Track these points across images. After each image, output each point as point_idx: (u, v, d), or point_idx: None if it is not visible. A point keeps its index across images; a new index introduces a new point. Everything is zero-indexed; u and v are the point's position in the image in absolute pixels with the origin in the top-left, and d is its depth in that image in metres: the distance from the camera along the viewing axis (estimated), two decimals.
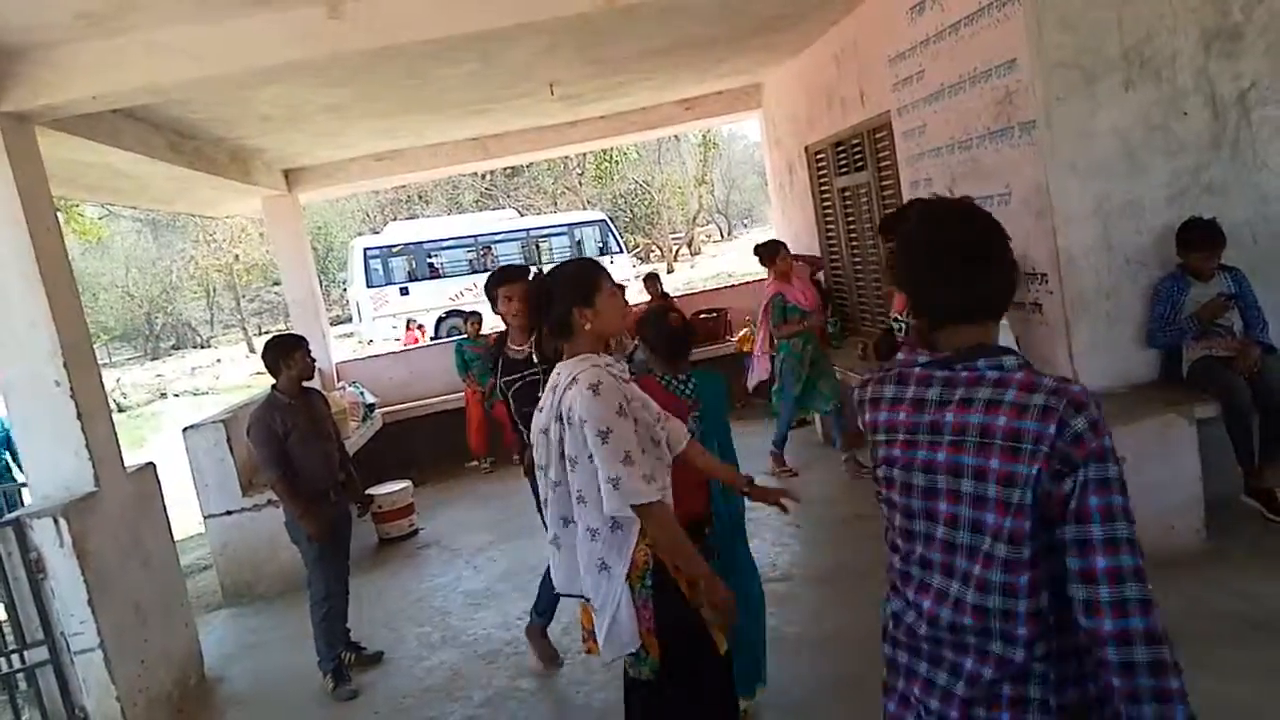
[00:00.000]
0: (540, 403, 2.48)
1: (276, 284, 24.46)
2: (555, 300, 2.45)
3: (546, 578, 3.90)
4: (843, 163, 7.26)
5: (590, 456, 2.31)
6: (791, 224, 9.01)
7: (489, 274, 4.09)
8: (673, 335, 3.26)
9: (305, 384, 4.52)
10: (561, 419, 2.35)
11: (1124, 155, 4.30)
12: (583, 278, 2.48)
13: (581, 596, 2.50)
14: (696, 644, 2.50)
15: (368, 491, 6.85)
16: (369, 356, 10.58)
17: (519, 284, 3.74)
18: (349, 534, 4.67)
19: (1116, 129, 4.28)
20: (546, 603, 4.18)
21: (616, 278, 10.19)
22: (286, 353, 4.39)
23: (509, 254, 18.77)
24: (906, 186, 5.88)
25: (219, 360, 27.09)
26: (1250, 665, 3.10)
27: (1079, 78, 4.24)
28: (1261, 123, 4.35)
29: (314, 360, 4.49)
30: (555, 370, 2.44)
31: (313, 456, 4.40)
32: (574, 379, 2.33)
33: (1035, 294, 4.59)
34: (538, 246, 19.18)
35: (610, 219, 21.43)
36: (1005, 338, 2.86)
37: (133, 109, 5.21)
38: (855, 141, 6.88)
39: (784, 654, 3.87)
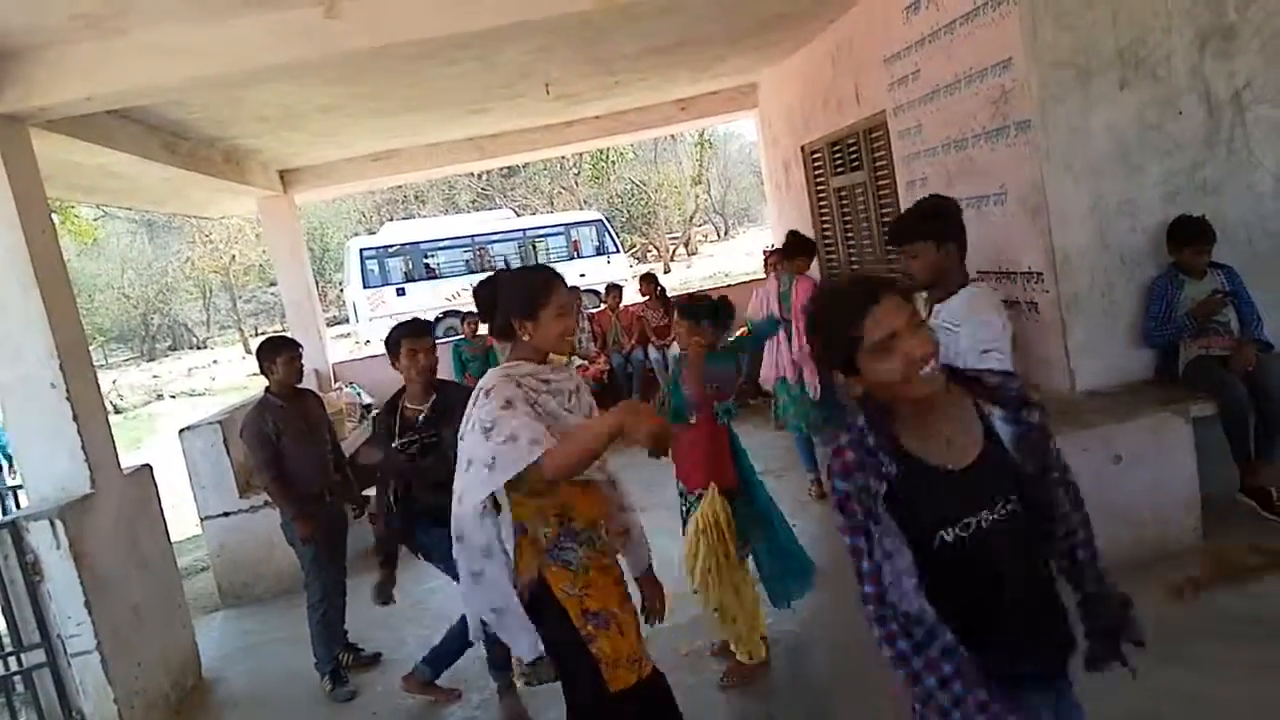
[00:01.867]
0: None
1: (273, 285, 24.43)
2: (499, 305, 2.45)
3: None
4: (839, 162, 7.27)
5: (469, 463, 2.30)
6: (788, 223, 9.01)
7: (393, 328, 3.90)
8: (715, 304, 3.59)
9: (299, 386, 4.51)
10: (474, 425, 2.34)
11: (1119, 154, 4.31)
12: (531, 291, 2.43)
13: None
14: (578, 678, 2.45)
15: (364, 493, 6.86)
16: (366, 357, 10.57)
17: (425, 339, 3.80)
18: (345, 536, 4.66)
19: (1112, 128, 4.29)
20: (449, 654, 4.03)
21: (613, 278, 10.16)
22: (271, 356, 4.38)
23: (505, 254, 18.77)
24: (903, 186, 5.88)
25: (215, 361, 27.03)
26: (1245, 663, 3.11)
27: (1074, 77, 4.25)
28: (1256, 122, 4.36)
29: (300, 365, 4.46)
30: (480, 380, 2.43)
31: (306, 458, 4.39)
32: (485, 390, 2.33)
33: (1031, 293, 4.60)
34: (534, 247, 19.17)
35: (607, 219, 21.43)
36: (1003, 336, 2.86)
37: (128, 110, 5.20)
38: (851, 141, 6.89)
39: (777, 652, 3.87)
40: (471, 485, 2.26)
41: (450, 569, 3.60)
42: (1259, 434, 4.10)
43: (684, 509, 3.67)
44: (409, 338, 3.73)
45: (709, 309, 3.60)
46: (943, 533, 1.61)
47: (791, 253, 5.75)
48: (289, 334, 8.53)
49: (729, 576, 3.53)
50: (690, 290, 11.11)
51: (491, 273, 2.59)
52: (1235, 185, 4.40)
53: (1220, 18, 4.28)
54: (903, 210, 5.87)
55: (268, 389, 4.43)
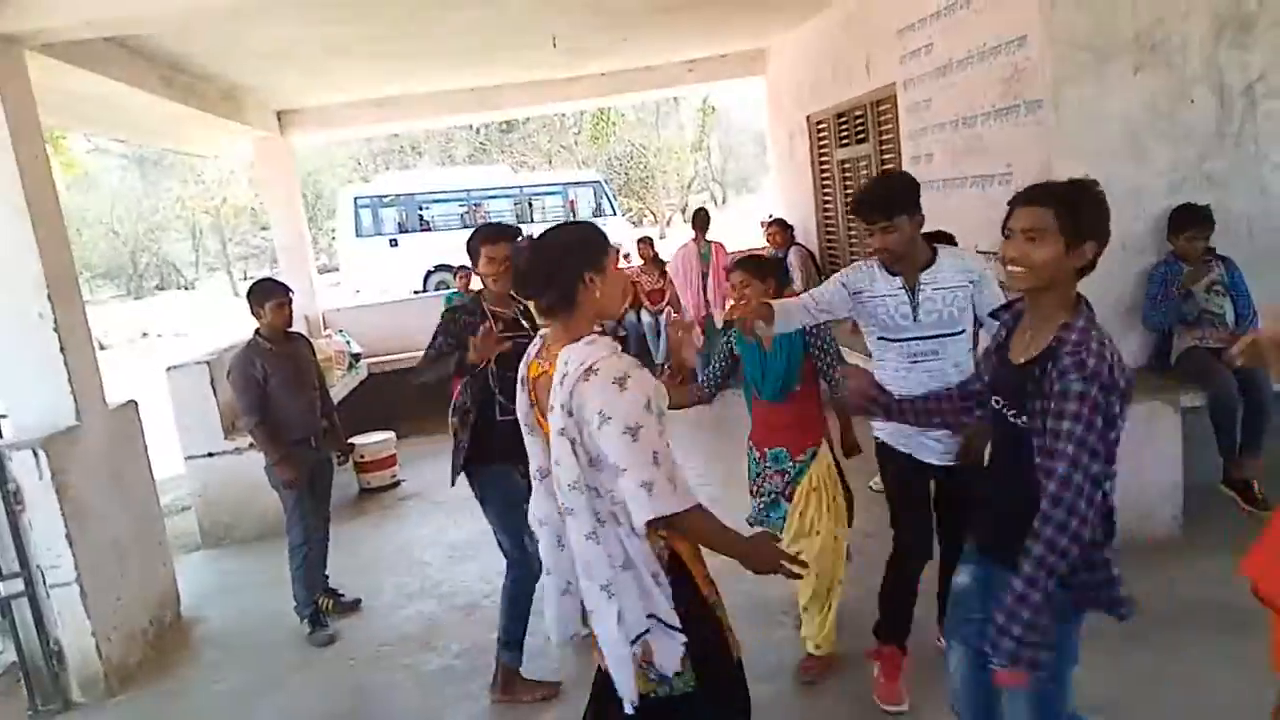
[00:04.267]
0: (553, 396, 2.07)
1: (264, 229, 24.20)
2: (561, 266, 2.07)
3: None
4: (844, 134, 7.21)
5: (608, 460, 1.97)
6: (789, 194, 8.96)
7: (473, 229, 3.71)
8: (777, 262, 3.67)
9: (290, 330, 4.47)
10: (574, 415, 1.98)
11: (1128, 140, 4.28)
12: (593, 241, 2.12)
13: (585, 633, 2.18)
14: (720, 650, 2.16)
15: (350, 440, 6.85)
16: (357, 306, 10.50)
17: (504, 243, 3.48)
18: (329, 482, 4.65)
19: (1123, 113, 4.26)
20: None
21: (612, 240, 10.04)
22: (260, 300, 4.33)
23: (501, 211, 18.58)
24: (907, 161, 5.84)
25: (203, 302, 26.84)
26: (1203, 646, 3.17)
27: (1089, 59, 4.20)
28: (1267, 116, 4.33)
29: (289, 310, 4.39)
30: (562, 359, 2.04)
31: (293, 403, 4.36)
32: (591, 369, 1.97)
33: None
34: (530, 205, 18.98)
35: (605, 181, 21.24)
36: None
37: (126, 39, 5.09)
38: (858, 113, 6.83)
39: (761, 618, 3.90)
40: (635, 501, 1.94)
41: (506, 525, 3.51)
42: (1245, 427, 4.13)
43: (775, 474, 3.49)
44: (488, 243, 3.53)
45: (772, 265, 3.61)
46: (994, 399, 2.11)
47: (704, 224, 8.26)
48: (280, 278, 8.47)
49: (832, 543, 3.40)
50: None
51: (521, 241, 2.18)
52: (1241, 178, 4.38)
53: (1239, 7, 4.24)
54: (883, 173, 5.86)
55: (257, 331, 4.39)
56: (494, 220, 17.97)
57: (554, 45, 6.75)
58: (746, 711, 2.24)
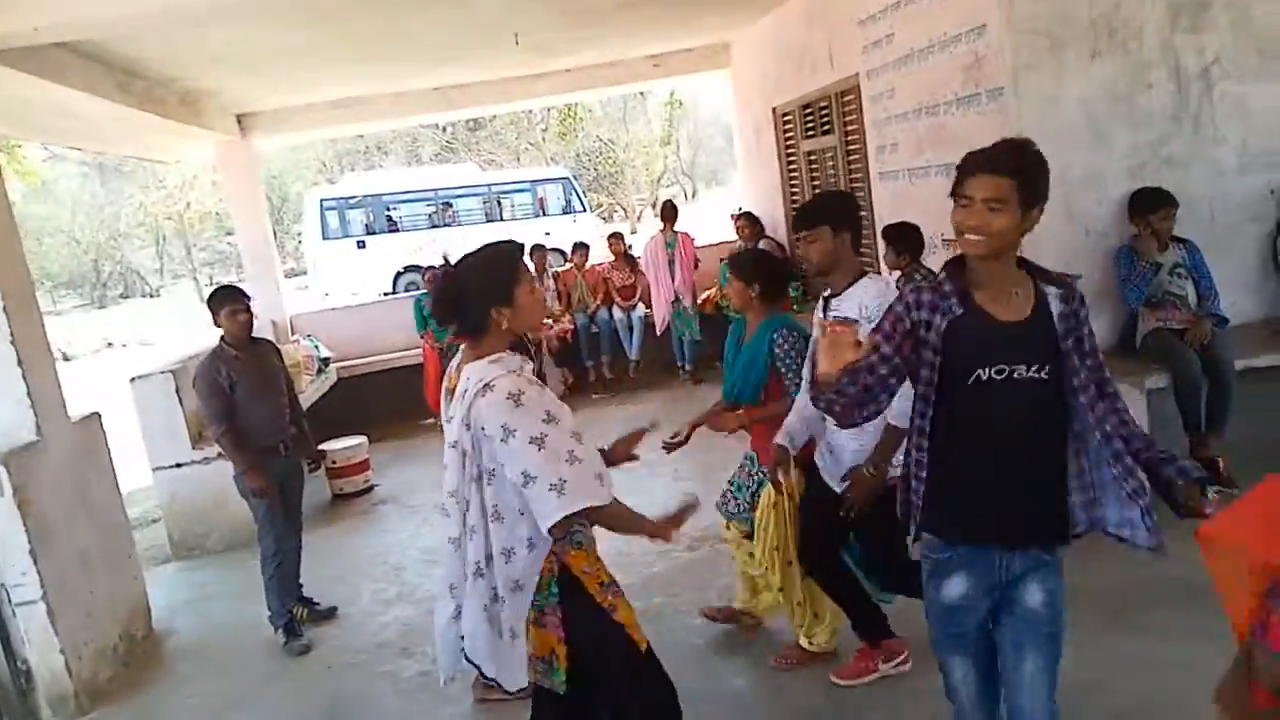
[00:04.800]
0: (451, 408, 2.21)
1: (229, 233, 23.86)
2: (469, 301, 2.19)
3: None
4: (810, 125, 7.23)
5: (503, 472, 2.12)
6: (757, 186, 8.97)
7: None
8: (780, 272, 3.44)
9: (256, 336, 4.41)
10: (471, 429, 2.13)
11: (1088, 125, 4.33)
12: (500, 272, 2.22)
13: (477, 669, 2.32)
14: (611, 649, 2.33)
15: (321, 446, 6.77)
16: (325, 309, 10.39)
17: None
18: (300, 489, 4.59)
19: (1082, 99, 4.30)
20: None
21: (582, 237, 10.24)
22: (215, 309, 4.26)
23: (470, 209, 18.45)
24: (873, 151, 5.87)
25: (169, 310, 26.44)
26: (1184, 627, 3.20)
27: (1047, 45, 4.24)
28: (1222, 97, 4.40)
29: (246, 318, 4.29)
30: (464, 375, 2.19)
31: (260, 410, 4.29)
32: (488, 385, 2.11)
33: None
34: (499, 203, 18.86)
35: (574, 177, 21.16)
36: None
37: (79, 44, 4.98)
38: (823, 104, 6.85)
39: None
40: (543, 504, 2.08)
41: None
42: (1210, 406, 4.19)
43: (751, 480, 3.49)
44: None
45: (766, 267, 3.36)
46: (980, 371, 1.99)
47: (671, 215, 8.54)
48: (245, 284, 8.35)
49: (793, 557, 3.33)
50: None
51: (440, 268, 2.30)
52: (1200, 160, 4.44)
53: None
54: (871, 176, 5.90)
55: (222, 338, 4.32)
56: (463, 219, 17.85)
57: (516, 43, 6.70)
58: (665, 706, 2.44)
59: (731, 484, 3.62)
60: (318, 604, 4.63)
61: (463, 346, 2.34)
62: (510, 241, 2.33)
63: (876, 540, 3.11)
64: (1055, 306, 2.03)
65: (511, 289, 2.20)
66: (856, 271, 2.92)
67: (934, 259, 4.85)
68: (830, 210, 2.92)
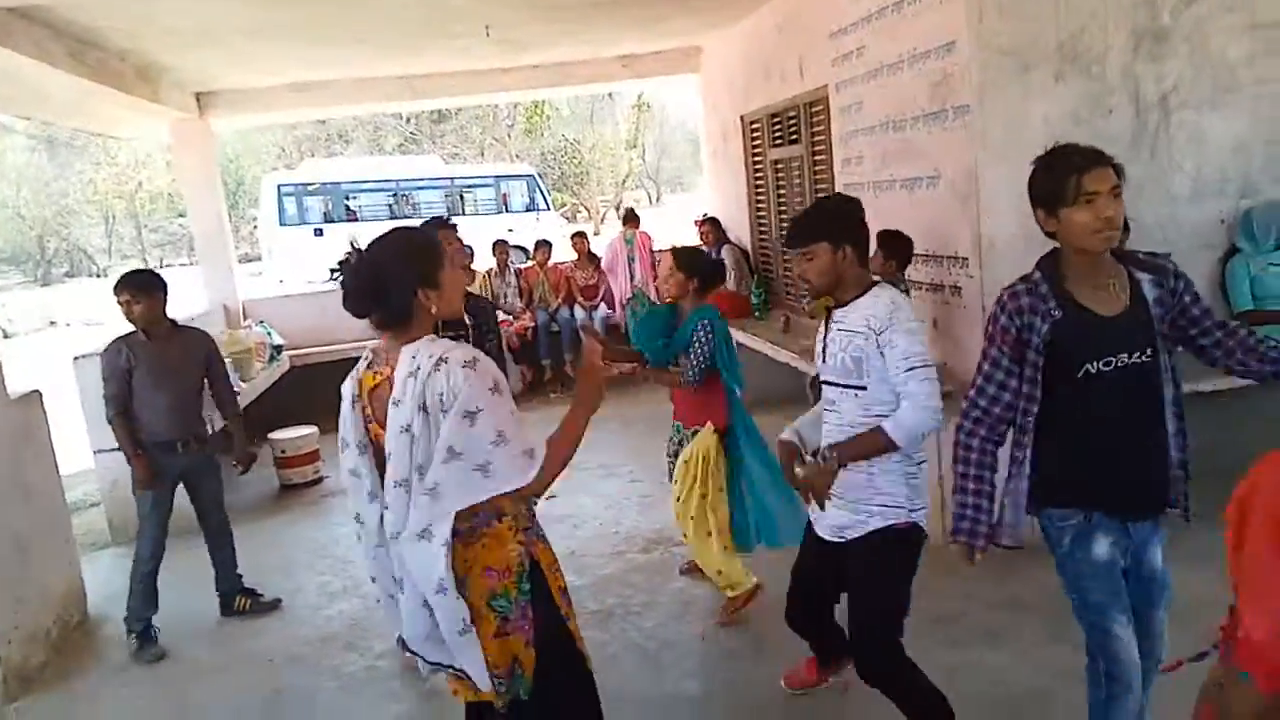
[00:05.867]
0: (394, 393, 2.03)
1: (181, 215, 23.31)
2: (390, 285, 2.04)
3: None
4: (778, 134, 7.27)
5: (469, 438, 1.95)
6: (723, 193, 9.00)
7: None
8: (717, 272, 3.98)
9: (179, 324, 4.25)
10: (428, 409, 1.97)
11: (1050, 146, 4.40)
12: (424, 254, 2.09)
13: (445, 667, 2.13)
14: (570, 658, 2.23)
15: (271, 435, 6.64)
16: (279, 296, 10.19)
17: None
18: (212, 489, 4.38)
19: (1046, 120, 4.37)
20: None
21: (544, 235, 10.27)
22: (115, 292, 4.08)
23: (431, 202, 18.28)
24: (839, 163, 5.91)
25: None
26: None
27: (1014, 65, 4.31)
28: (1180, 125, 4.50)
29: (137, 310, 4.04)
30: (408, 354, 2.03)
31: (159, 400, 4.10)
32: (440, 359, 1.97)
33: (955, 277, 4.69)
34: (461, 197, 18.73)
35: (539, 175, 21.08)
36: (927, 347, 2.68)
37: (27, 8, 4.81)
38: (791, 114, 6.89)
39: (692, 616, 3.91)
40: (457, 484, 1.96)
41: None
42: None
43: (675, 445, 4.02)
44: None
45: (705, 265, 3.92)
46: (1088, 365, 2.12)
47: (633, 220, 9.31)
48: (198, 266, 8.14)
49: (699, 517, 3.81)
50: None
51: (349, 255, 2.13)
52: (1155, 187, 4.54)
53: (1155, 20, 4.39)
54: (836, 188, 5.94)
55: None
56: (427, 212, 17.64)
57: (487, 35, 6.64)
58: (596, 716, 2.30)
59: (672, 456, 4.07)
60: (261, 595, 4.53)
61: (371, 345, 2.20)
62: (434, 219, 2.25)
63: (865, 598, 2.66)
64: (1150, 292, 2.14)
65: (436, 271, 2.08)
66: (865, 283, 2.63)
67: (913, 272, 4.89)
68: (828, 224, 2.62)
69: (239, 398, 6.44)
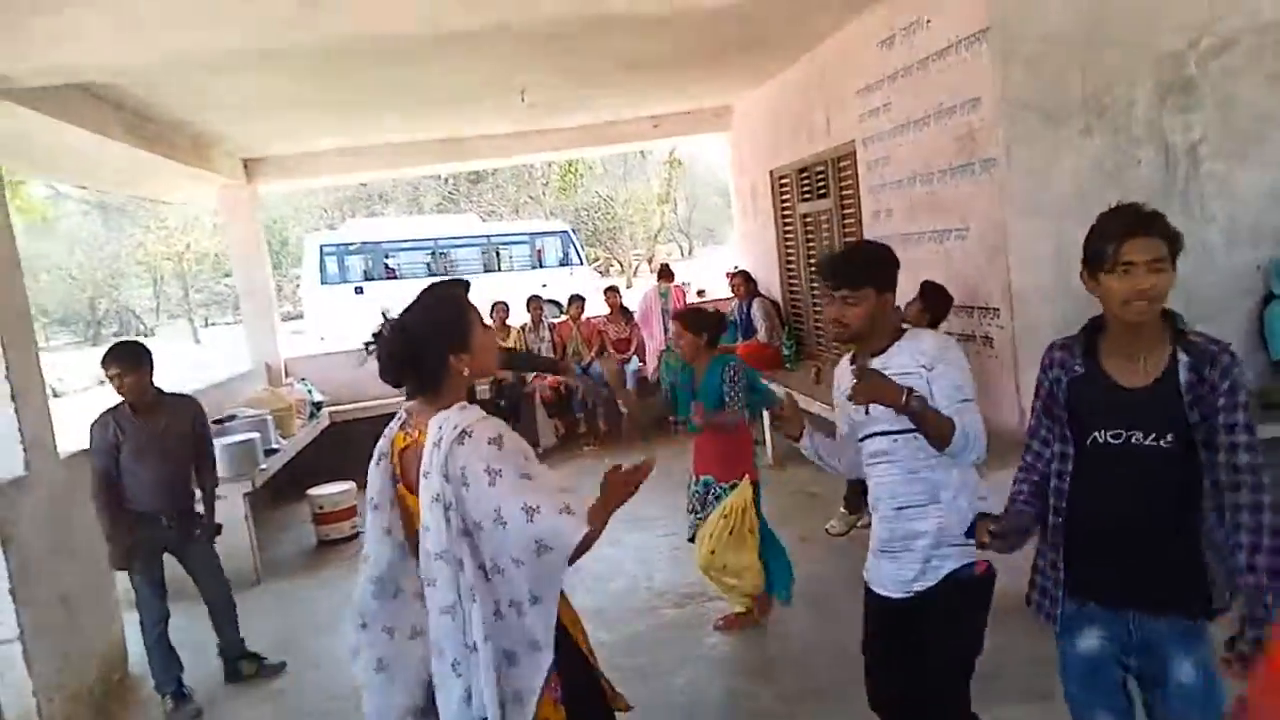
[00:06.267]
0: (423, 464, 2.00)
1: (227, 275, 23.95)
2: (425, 352, 2.04)
3: None
4: (806, 189, 7.35)
5: (497, 517, 1.93)
6: (753, 246, 9.09)
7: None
8: (719, 317, 4.28)
9: (176, 394, 4.30)
10: (451, 480, 1.96)
11: (1078, 200, 4.41)
12: (455, 316, 2.09)
13: None
14: (601, 713, 2.20)
15: (309, 491, 6.73)
16: (320, 354, 10.39)
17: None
18: (202, 558, 4.37)
19: (1073, 173, 4.40)
20: None
21: (578, 289, 10.43)
22: (103, 366, 4.10)
23: (469, 259, 18.61)
24: (868, 216, 5.97)
25: (162, 349, 26.40)
26: None
27: (1039, 120, 4.35)
28: (1209, 176, 4.50)
29: (129, 383, 4.06)
30: (435, 425, 2.01)
31: (142, 476, 4.10)
32: (465, 432, 1.97)
33: (986, 328, 4.68)
34: (498, 254, 19.05)
35: (573, 230, 21.40)
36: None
37: (91, 85, 5.07)
38: (819, 169, 6.98)
39: (724, 673, 3.87)
40: (558, 527, 1.93)
41: None
42: None
43: (704, 497, 4.19)
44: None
45: (711, 321, 4.23)
46: (1096, 434, 2.03)
47: (667, 275, 9.41)
48: (242, 325, 8.34)
49: (733, 564, 4.09)
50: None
51: (381, 326, 2.12)
52: (1188, 238, 4.35)
53: (1180, 71, 4.42)
54: (863, 240, 5.98)
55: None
56: (461, 269, 17.96)
57: (522, 100, 6.84)
58: None
59: (693, 513, 4.25)
60: (265, 659, 4.51)
61: (405, 405, 2.18)
62: (454, 281, 2.19)
63: (947, 671, 2.50)
64: (1184, 375, 1.96)
65: (468, 333, 2.07)
66: (895, 330, 2.58)
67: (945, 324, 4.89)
68: (875, 270, 2.55)
69: (279, 454, 6.60)
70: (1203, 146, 4.48)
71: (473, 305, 2.15)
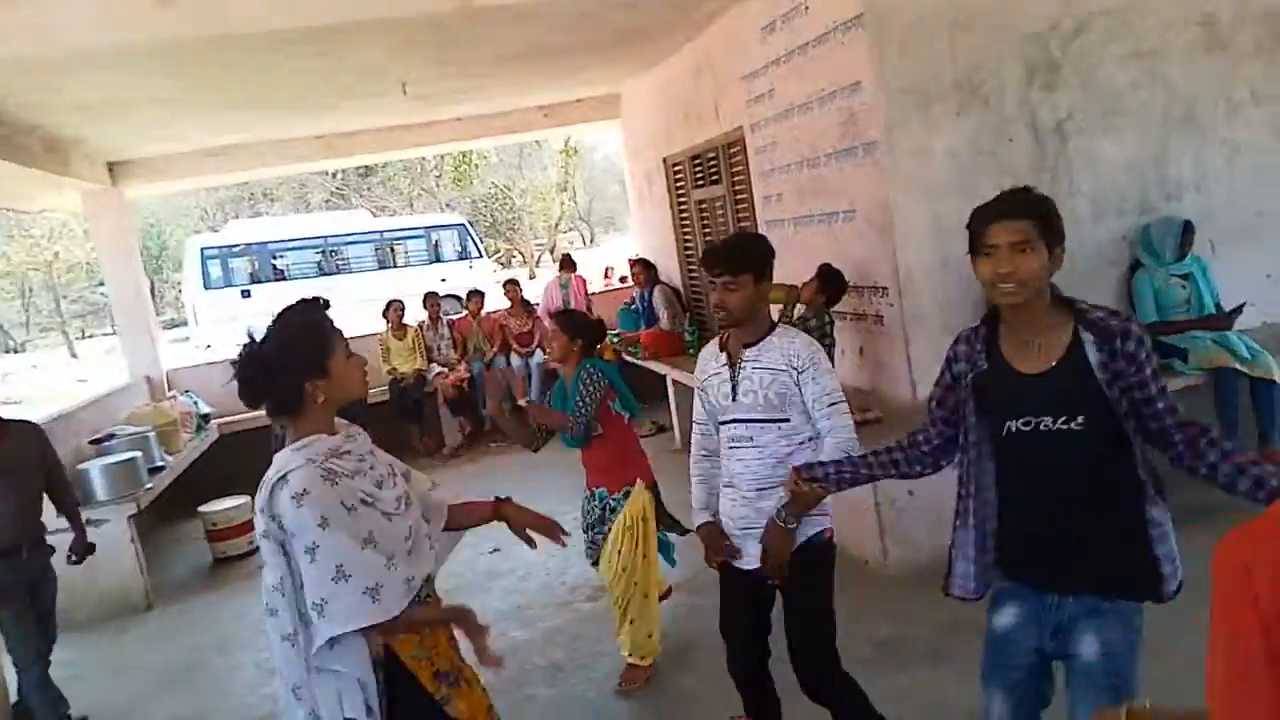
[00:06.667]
0: (258, 499, 2.01)
1: (102, 284, 22.71)
2: (278, 376, 2.00)
3: None
4: (699, 175, 7.40)
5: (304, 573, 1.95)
6: (651, 234, 9.10)
7: None
8: (594, 324, 4.00)
9: (8, 418, 3.97)
10: (274, 517, 1.95)
11: (956, 177, 4.57)
12: (310, 341, 2.02)
13: None
14: None
15: (200, 508, 6.44)
16: (205, 364, 9.94)
17: None
18: (53, 593, 4.06)
19: (951, 151, 4.54)
20: None
21: (479, 283, 10.27)
22: None
23: (362, 256, 18.12)
24: (760, 201, 6.04)
25: (35, 366, 24.84)
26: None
27: (916, 102, 4.48)
28: (1076, 151, 4.72)
29: None
30: (276, 460, 2.02)
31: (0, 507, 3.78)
32: (284, 477, 1.95)
33: (877, 306, 4.81)
34: (392, 249, 18.60)
35: (470, 223, 21.06)
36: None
37: None
38: (711, 155, 7.02)
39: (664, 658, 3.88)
40: (315, 623, 1.95)
41: None
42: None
43: (601, 512, 3.85)
44: None
45: (589, 326, 3.97)
46: (1009, 424, 2.00)
47: (569, 265, 9.40)
48: (118, 336, 7.88)
49: (643, 579, 3.75)
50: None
51: (242, 347, 2.07)
52: (1060, 210, 4.72)
53: (1046, 52, 4.61)
54: (759, 225, 6.06)
55: None
56: (354, 267, 17.44)
57: (404, 92, 6.65)
58: None
59: (588, 530, 3.92)
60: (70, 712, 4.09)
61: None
62: (310, 301, 2.11)
63: (817, 624, 2.68)
64: (1093, 355, 1.92)
65: (324, 359, 2.01)
66: (769, 323, 2.75)
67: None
68: (755, 258, 2.69)
69: (165, 472, 6.30)
70: (1069, 123, 4.69)
71: (333, 329, 2.09)
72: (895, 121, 4.46)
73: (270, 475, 1.98)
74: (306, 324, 2.06)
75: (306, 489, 1.93)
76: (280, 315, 2.08)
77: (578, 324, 3.94)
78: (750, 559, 2.69)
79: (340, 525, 1.94)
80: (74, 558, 4.14)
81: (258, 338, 2.05)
